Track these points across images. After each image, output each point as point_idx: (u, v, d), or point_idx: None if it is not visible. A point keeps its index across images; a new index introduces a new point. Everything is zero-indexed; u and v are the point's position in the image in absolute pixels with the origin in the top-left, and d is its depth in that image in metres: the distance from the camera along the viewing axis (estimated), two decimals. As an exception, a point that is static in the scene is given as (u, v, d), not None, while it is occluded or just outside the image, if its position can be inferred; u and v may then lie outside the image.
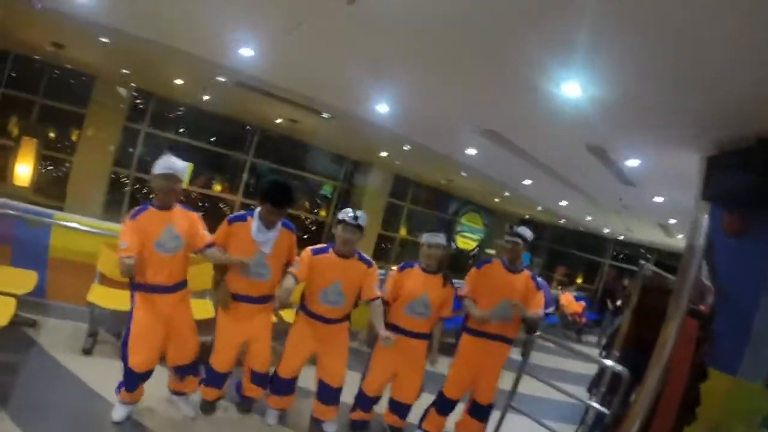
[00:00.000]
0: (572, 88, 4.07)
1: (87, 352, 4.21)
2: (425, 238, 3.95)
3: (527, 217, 18.74)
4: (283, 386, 3.77)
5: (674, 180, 6.06)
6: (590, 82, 3.90)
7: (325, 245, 3.66)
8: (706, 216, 1.61)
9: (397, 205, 16.39)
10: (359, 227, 3.57)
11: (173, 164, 3.28)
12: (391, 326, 3.82)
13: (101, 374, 3.81)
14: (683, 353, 1.99)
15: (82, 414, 3.37)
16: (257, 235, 3.40)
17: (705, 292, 2.66)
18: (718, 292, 3.39)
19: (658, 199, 7.92)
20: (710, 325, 2.15)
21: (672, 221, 10.19)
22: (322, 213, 15.46)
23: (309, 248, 3.63)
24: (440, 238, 3.93)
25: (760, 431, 2.98)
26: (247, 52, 5.67)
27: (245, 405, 3.93)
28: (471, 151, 8.49)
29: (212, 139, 12.98)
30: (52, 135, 10.85)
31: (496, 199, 15.92)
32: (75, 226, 4.91)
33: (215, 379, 3.69)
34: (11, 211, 4.72)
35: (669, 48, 3.00)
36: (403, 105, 6.60)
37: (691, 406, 2.32)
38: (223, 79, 7.77)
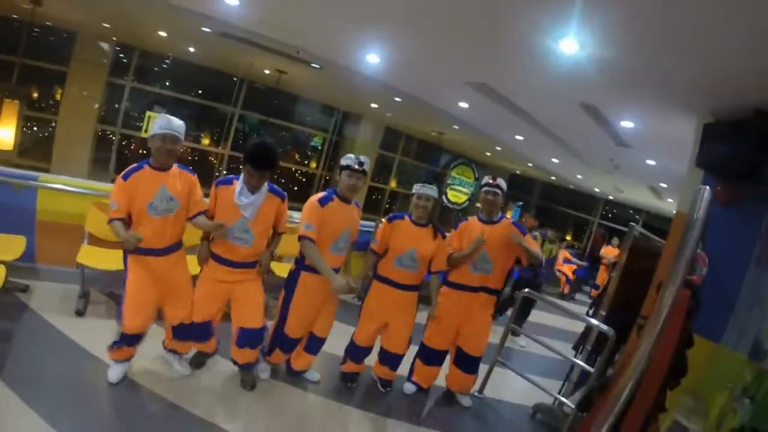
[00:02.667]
0: (569, 45, 3.92)
1: (79, 313, 4.17)
2: (417, 188, 3.86)
3: (518, 172, 18.71)
4: (288, 344, 3.75)
5: (668, 145, 5.98)
6: (588, 39, 3.75)
7: (326, 193, 3.54)
8: (708, 189, 1.53)
9: (387, 157, 16.26)
10: (364, 172, 3.53)
11: (171, 123, 3.14)
12: (380, 278, 3.90)
13: (95, 335, 3.78)
14: (675, 322, 1.94)
15: (77, 376, 3.33)
16: (239, 199, 3.27)
17: (698, 262, 2.62)
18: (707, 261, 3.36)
19: (651, 162, 7.84)
20: (699, 293, 2.11)
21: (663, 185, 10.15)
22: (312, 165, 15.31)
23: (314, 198, 3.49)
24: (431, 190, 3.83)
25: (739, 399, 2.98)
26: (230, 0, 5.43)
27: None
28: (463, 105, 8.30)
29: (199, 92, 12.73)
30: (34, 95, 10.64)
31: (488, 154, 15.80)
32: (61, 188, 4.76)
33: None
34: None
35: (670, 9, 2.85)
36: (394, 56, 6.38)
37: (678, 374, 2.30)
38: (207, 30, 7.51)
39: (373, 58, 6.55)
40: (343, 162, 3.52)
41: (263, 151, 3.23)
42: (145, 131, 10.91)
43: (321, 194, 3.51)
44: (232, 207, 3.29)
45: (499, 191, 4.03)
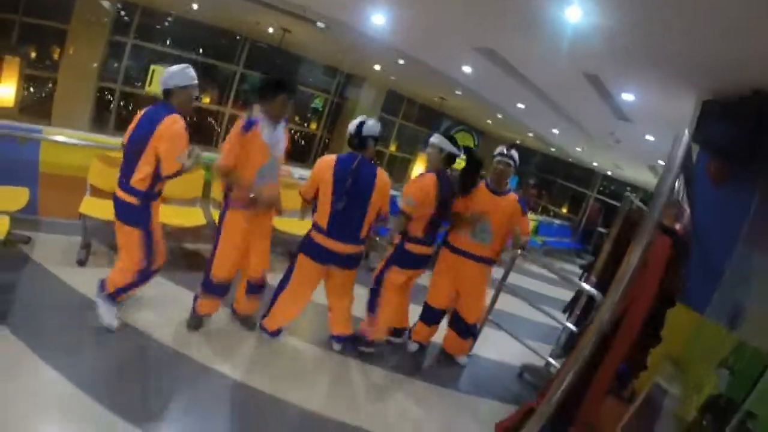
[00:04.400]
0: (574, 12, 3.93)
1: (81, 263, 4.25)
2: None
3: (518, 141, 18.64)
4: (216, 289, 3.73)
5: (668, 120, 5.98)
6: (592, 7, 3.76)
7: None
8: (686, 133, 1.56)
9: (388, 121, 16.17)
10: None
11: (192, 72, 3.33)
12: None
13: (94, 283, 3.76)
14: (654, 269, 1.97)
15: (81, 323, 3.41)
16: (269, 138, 3.34)
17: (681, 215, 2.65)
18: (693, 231, 3.43)
19: (650, 138, 7.85)
20: (686, 250, 2.14)
21: (661, 163, 10.15)
22: (313, 126, 15.24)
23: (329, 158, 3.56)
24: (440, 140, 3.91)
25: (717, 370, 3.09)
26: None
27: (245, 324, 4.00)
28: (467, 69, 8.24)
29: (200, 51, 12.60)
30: (33, 54, 10.56)
31: (489, 121, 15.75)
32: (64, 140, 4.80)
33: (216, 289, 3.70)
34: None
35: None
36: (401, 17, 6.34)
37: (657, 328, 2.36)
38: None
39: (378, 19, 6.51)
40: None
41: (289, 78, 3.39)
42: (149, 85, 10.90)
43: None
44: (263, 148, 3.35)
45: (511, 162, 4.03)
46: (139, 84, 11.85)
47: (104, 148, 4.76)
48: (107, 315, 3.39)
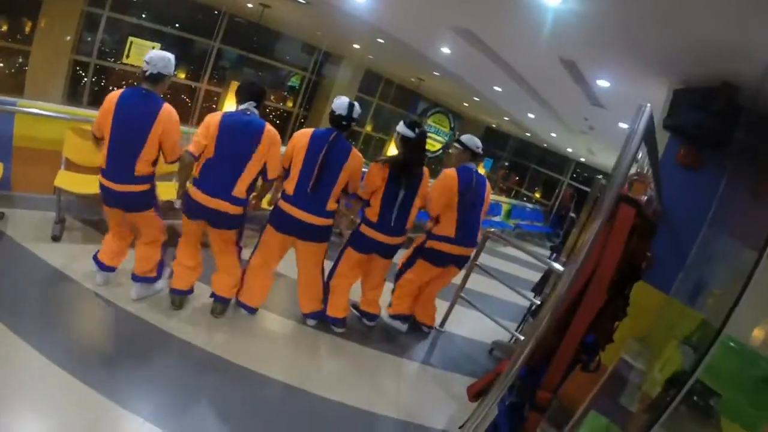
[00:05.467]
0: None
1: (56, 239, 4.21)
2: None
3: (493, 125, 18.77)
4: None
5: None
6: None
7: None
8: (649, 106, 1.62)
9: (365, 101, 16.11)
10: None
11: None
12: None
13: (72, 259, 3.88)
14: (617, 236, 2.01)
15: (57, 298, 3.44)
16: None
17: (646, 188, 2.72)
18: (661, 213, 3.54)
19: (623, 126, 7.97)
20: (652, 226, 2.20)
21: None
22: (289, 104, 15.12)
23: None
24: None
25: (681, 347, 3.20)
26: None
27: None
28: (445, 50, 8.26)
29: (177, 25, 12.32)
30: (5, 27, 10.35)
31: (465, 104, 15.81)
32: (38, 113, 4.63)
33: None
34: None
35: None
36: None
37: (624, 300, 2.43)
38: None
39: None
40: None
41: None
42: (127, 56, 10.68)
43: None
44: None
45: (459, 146, 4.27)
46: (112, 59, 11.63)
47: (79, 121, 4.66)
48: (161, 285, 3.79)
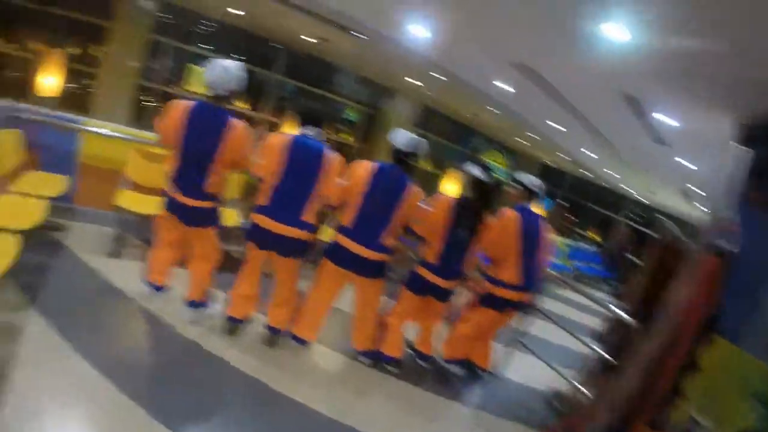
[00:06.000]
0: (616, 31, 3.91)
1: (114, 255, 4.34)
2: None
3: (549, 162, 18.48)
4: None
5: (706, 146, 5.85)
6: (637, 27, 3.73)
7: None
8: (735, 144, 1.53)
9: (420, 135, 16.04)
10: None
11: None
12: None
13: (127, 276, 3.95)
14: (702, 289, 1.90)
15: (109, 311, 3.52)
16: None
17: (732, 233, 2.56)
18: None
19: (687, 163, 7.71)
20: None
21: (695, 190, 9.94)
22: (345, 136, 15.28)
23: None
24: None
25: (752, 403, 2.99)
26: None
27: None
28: (502, 86, 8.20)
29: (237, 56, 12.63)
30: (74, 51, 10.90)
31: (520, 140, 15.62)
32: (104, 132, 4.90)
33: None
34: (39, 117, 4.71)
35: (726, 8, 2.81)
36: (441, 30, 6.35)
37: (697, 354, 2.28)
38: None
39: (418, 31, 6.51)
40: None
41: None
42: (188, 83, 11.37)
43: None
44: None
45: (520, 186, 4.15)
46: (174, 86, 12.14)
47: (143, 143, 4.87)
48: (213, 309, 3.79)
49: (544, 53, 5.66)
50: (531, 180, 4.14)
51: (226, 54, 12.21)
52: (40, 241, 4.01)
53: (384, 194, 3.50)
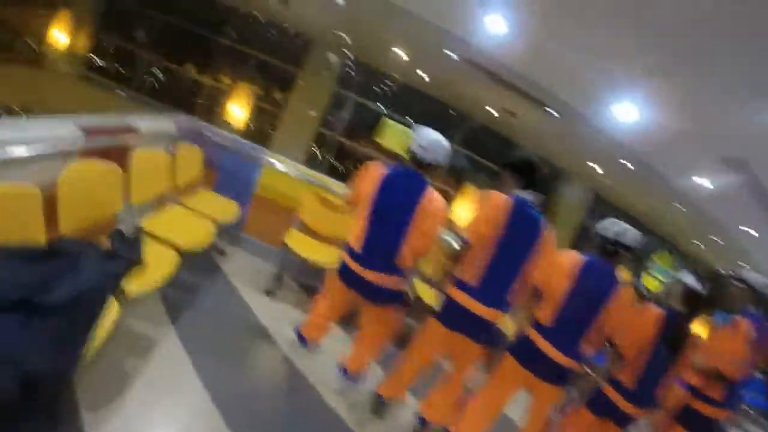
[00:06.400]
0: None
1: (269, 292, 4.34)
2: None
3: (730, 273, 16.79)
4: None
5: None
6: None
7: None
8: None
9: (592, 226, 15.33)
10: None
11: None
12: None
13: (277, 317, 3.97)
14: None
15: (248, 350, 3.53)
16: None
17: None
18: None
19: None
20: None
21: None
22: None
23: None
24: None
25: None
26: (495, 23, 5.44)
27: None
28: (701, 181, 7.69)
29: (418, 121, 12.98)
30: (260, 91, 12.35)
31: (697, 242, 14.46)
32: (285, 169, 5.06)
33: None
34: (223, 141, 5.04)
35: None
36: (650, 113, 6.10)
37: None
38: (452, 55, 7.58)
39: (625, 111, 6.33)
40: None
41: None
42: (380, 137, 11.78)
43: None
44: None
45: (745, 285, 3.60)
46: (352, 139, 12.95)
47: (321, 187, 4.88)
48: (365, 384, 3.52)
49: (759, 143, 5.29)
50: (757, 278, 3.56)
51: (406, 114, 12.77)
52: (199, 260, 4.02)
53: (590, 293, 3.00)
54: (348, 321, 3.84)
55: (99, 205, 2.96)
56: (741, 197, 7.04)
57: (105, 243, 2.54)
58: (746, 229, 9.16)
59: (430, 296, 4.18)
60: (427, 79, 10.93)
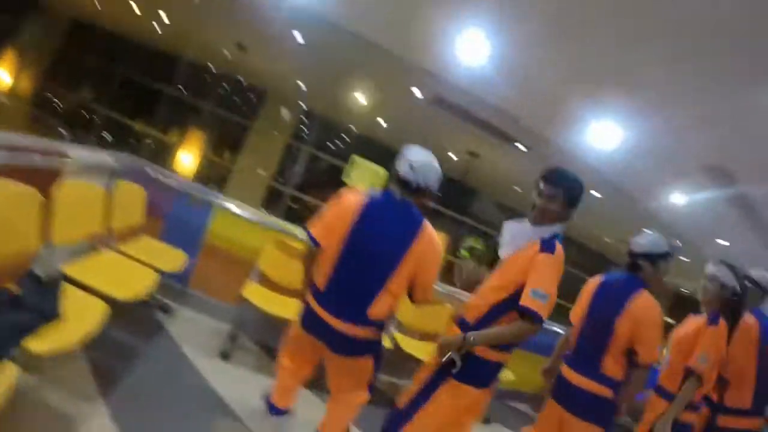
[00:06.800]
0: None
1: (224, 356, 3.77)
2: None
3: (684, 290, 16.72)
4: None
5: None
6: None
7: None
8: None
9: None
10: None
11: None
12: None
13: (235, 385, 3.40)
14: None
15: (200, 422, 2.92)
16: None
17: None
18: None
19: None
20: None
21: None
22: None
23: None
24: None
25: None
26: (474, 55, 5.16)
27: None
28: (676, 198, 7.41)
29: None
30: (215, 141, 12.51)
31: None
32: (240, 213, 4.56)
33: None
34: (170, 182, 4.55)
35: None
36: (633, 138, 5.85)
37: None
38: (418, 94, 7.30)
39: (602, 140, 6.01)
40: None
41: None
42: (347, 176, 11.36)
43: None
44: None
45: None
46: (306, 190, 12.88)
47: (281, 232, 4.48)
48: None
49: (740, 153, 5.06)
50: (764, 275, 3.29)
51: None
52: (139, 319, 3.67)
53: (602, 310, 2.85)
54: (320, 383, 3.14)
55: (10, 239, 2.39)
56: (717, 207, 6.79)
57: (12, 288, 2.06)
58: (724, 242, 8.91)
59: (412, 347, 4.04)
60: (385, 126, 10.69)
